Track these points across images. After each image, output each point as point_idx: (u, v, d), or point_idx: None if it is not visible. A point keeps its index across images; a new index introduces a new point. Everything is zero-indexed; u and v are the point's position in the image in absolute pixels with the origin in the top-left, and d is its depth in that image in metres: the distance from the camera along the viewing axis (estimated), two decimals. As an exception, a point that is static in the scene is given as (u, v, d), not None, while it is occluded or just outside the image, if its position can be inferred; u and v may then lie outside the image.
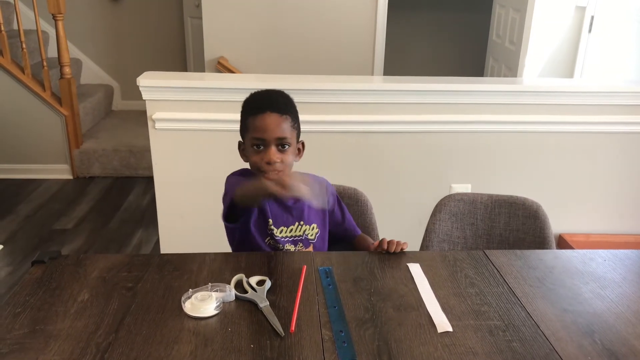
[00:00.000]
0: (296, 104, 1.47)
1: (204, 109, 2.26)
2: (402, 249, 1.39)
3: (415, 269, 1.32)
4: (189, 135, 2.30)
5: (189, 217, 2.41)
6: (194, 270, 1.29)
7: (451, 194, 1.75)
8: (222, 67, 3.75)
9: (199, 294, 1.14)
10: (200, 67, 4.26)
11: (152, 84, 2.21)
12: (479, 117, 2.36)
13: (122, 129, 4.32)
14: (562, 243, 2.51)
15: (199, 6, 3.98)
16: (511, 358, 1.02)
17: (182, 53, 4.84)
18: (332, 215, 1.56)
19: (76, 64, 4.58)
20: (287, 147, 1.39)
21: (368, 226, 1.70)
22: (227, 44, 3.87)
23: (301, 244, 1.47)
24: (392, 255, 1.39)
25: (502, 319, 1.14)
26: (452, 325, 1.11)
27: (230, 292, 1.17)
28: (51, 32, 4.18)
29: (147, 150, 2.47)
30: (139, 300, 1.17)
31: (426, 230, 1.70)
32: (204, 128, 2.28)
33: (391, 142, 2.39)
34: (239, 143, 1.48)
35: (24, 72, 3.73)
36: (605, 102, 2.38)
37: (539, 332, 1.10)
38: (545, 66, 3.45)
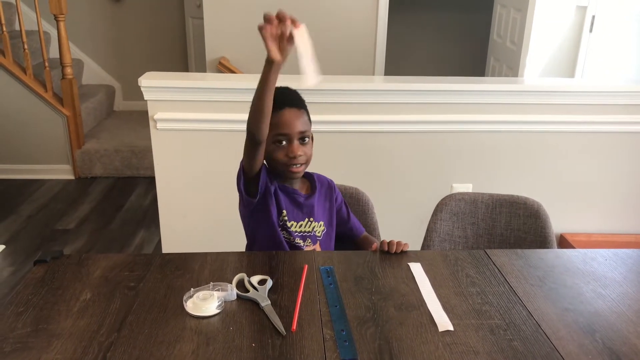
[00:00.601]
0: None
1: (206, 109, 2.26)
2: (402, 250, 1.40)
3: (417, 269, 1.32)
4: (190, 135, 2.30)
5: (190, 217, 2.41)
6: (196, 269, 1.30)
7: (452, 194, 1.75)
8: (223, 67, 3.76)
9: (201, 293, 1.15)
10: (201, 68, 4.27)
11: (153, 84, 2.22)
12: (480, 117, 2.36)
13: (124, 129, 4.33)
14: (564, 242, 2.51)
15: (200, 6, 3.98)
16: (512, 357, 1.02)
17: (183, 53, 4.85)
18: (338, 214, 1.58)
19: (78, 64, 4.59)
20: (307, 140, 1.43)
21: (369, 226, 1.70)
22: (228, 44, 3.88)
23: (309, 240, 1.49)
24: (393, 255, 1.39)
25: (503, 318, 1.14)
26: (453, 325, 1.11)
27: (232, 292, 1.18)
28: (53, 32, 4.19)
29: (148, 151, 2.48)
30: (141, 300, 1.17)
31: (427, 229, 1.71)
32: (206, 128, 2.29)
33: (392, 142, 2.39)
34: None
35: (25, 73, 3.74)
36: (607, 101, 2.38)
37: (540, 331, 1.10)
38: (546, 66, 3.45)
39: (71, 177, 3.92)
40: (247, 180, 1.39)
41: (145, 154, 3.86)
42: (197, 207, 2.40)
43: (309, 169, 1.52)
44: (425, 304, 1.18)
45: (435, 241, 1.69)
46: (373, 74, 3.97)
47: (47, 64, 3.75)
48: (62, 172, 3.92)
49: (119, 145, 3.96)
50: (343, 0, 3.85)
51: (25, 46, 3.67)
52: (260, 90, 1.25)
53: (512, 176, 2.46)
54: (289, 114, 1.41)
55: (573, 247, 2.42)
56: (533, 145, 2.43)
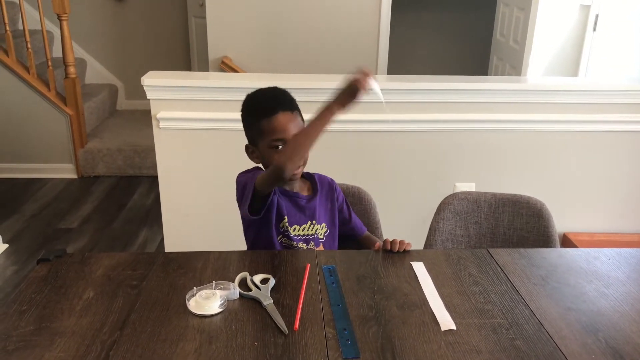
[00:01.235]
0: (300, 103, 1.48)
1: (208, 108, 2.26)
2: (405, 249, 1.39)
3: (419, 268, 1.32)
4: (193, 134, 2.30)
5: (193, 215, 2.41)
6: (198, 268, 1.30)
7: (455, 193, 1.75)
8: (226, 66, 3.76)
9: (204, 292, 1.15)
10: (204, 67, 4.27)
11: (156, 84, 2.22)
12: (482, 116, 2.36)
13: (127, 128, 4.34)
14: (567, 242, 2.51)
15: (202, 6, 3.98)
16: (515, 356, 1.02)
17: (186, 52, 4.85)
18: (340, 214, 1.58)
19: (81, 63, 4.60)
20: None
21: (372, 225, 1.70)
22: (231, 43, 3.88)
23: (312, 243, 1.48)
24: (395, 254, 1.39)
25: (505, 317, 1.14)
26: (456, 324, 1.11)
27: (235, 290, 1.18)
28: (56, 32, 4.20)
29: (151, 150, 2.48)
30: (143, 298, 1.17)
31: (430, 228, 1.70)
32: (208, 127, 2.29)
33: (395, 141, 2.39)
34: (247, 147, 1.48)
35: (29, 72, 3.75)
36: (610, 100, 2.38)
37: (542, 330, 1.10)
38: (549, 65, 3.44)
39: (74, 176, 3.93)
40: (255, 199, 1.38)
41: (147, 153, 3.87)
42: (200, 206, 2.40)
43: (311, 169, 1.52)
44: (427, 303, 1.18)
45: (438, 240, 1.68)
46: (376, 73, 3.97)
47: (50, 63, 3.76)
48: (65, 171, 3.93)
49: (121, 144, 3.97)
50: (346, 0, 3.85)
51: (29, 45, 3.68)
52: (314, 140, 1.28)
53: (515, 175, 2.46)
54: (283, 117, 1.39)
55: (576, 247, 2.41)
56: (536, 144, 2.42)
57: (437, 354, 1.02)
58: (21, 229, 3.18)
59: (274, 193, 1.42)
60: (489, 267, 1.34)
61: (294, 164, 1.28)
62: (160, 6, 4.79)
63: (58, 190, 3.71)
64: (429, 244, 1.69)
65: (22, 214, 3.36)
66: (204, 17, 3.88)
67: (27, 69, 3.75)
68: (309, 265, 1.31)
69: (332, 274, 1.28)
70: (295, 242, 1.45)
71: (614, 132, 2.43)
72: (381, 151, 2.40)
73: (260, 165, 1.48)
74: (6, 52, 3.70)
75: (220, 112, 2.26)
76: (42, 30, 3.76)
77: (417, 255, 1.39)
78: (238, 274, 1.25)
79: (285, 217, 1.44)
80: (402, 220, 2.44)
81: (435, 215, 1.71)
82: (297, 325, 1.09)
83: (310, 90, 2.22)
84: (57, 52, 4.25)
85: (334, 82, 2.31)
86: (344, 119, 2.30)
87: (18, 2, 3.77)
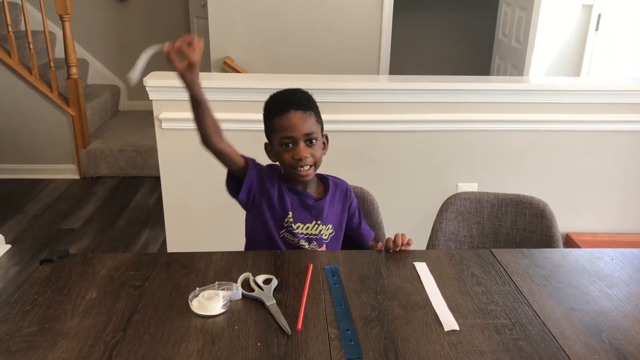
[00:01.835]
0: None
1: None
2: (408, 243, 1.40)
3: (422, 268, 1.32)
4: (195, 135, 2.29)
5: (195, 216, 2.41)
6: (201, 268, 1.30)
7: (457, 193, 1.74)
8: (227, 67, 3.76)
9: (206, 293, 1.15)
10: (206, 67, 4.27)
11: (158, 84, 2.22)
12: (485, 116, 2.35)
13: (129, 129, 4.34)
14: (569, 242, 2.50)
15: (204, 6, 3.98)
16: (518, 357, 1.02)
17: (188, 53, 4.84)
18: (350, 220, 1.57)
19: (83, 64, 4.61)
20: (314, 141, 1.43)
21: (375, 225, 1.70)
22: (232, 43, 3.88)
23: (315, 243, 1.48)
24: (398, 254, 1.39)
25: (509, 317, 1.14)
26: (459, 324, 1.11)
27: (237, 291, 1.18)
28: (58, 32, 4.21)
29: (153, 150, 2.48)
30: (146, 299, 1.17)
31: (432, 229, 1.70)
32: (211, 128, 2.28)
33: (397, 141, 2.39)
34: (265, 144, 1.50)
35: (31, 73, 3.75)
36: (613, 100, 2.37)
37: (546, 330, 1.10)
38: (551, 65, 3.43)
39: (76, 176, 3.93)
40: (231, 175, 1.43)
41: (150, 153, 3.87)
42: (202, 206, 2.40)
43: (321, 170, 1.51)
44: (430, 303, 1.18)
45: (441, 240, 1.68)
46: (378, 73, 3.97)
47: (52, 64, 3.77)
48: (68, 172, 3.93)
49: (124, 145, 3.97)
50: (348, 0, 3.85)
51: (31, 46, 3.69)
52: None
53: (517, 175, 2.46)
54: (293, 116, 1.40)
55: (579, 247, 2.41)
56: (538, 145, 2.42)
57: (440, 355, 1.02)
58: (24, 229, 3.19)
59: (273, 188, 1.44)
60: (492, 268, 1.34)
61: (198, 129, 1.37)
62: (162, 7, 4.79)
63: (60, 191, 3.72)
64: (431, 244, 1.69)
65: (25, 214, 3.36)
66: (206, 18, 3.88)
67: (30, 70, 3.76)
68: (311, 265, 1.31)
69: (334, 275, 1.28)
70: (298, 239, 1.45)
71: (617, 132, 2.42)
72: (383, 151, 2.40)
73: (277, 163, 1.49)
74: (8, 53, 3.71)
75: (222, 112, 2.22)
76: (44, 31, 3.77)
77: (420, 256, 1.39)
78: (241, 274, 1.25)
79: (290, 212, 1.44)
80: (404, 220, 2.44)
81: (437, 215, 1.71)
82: (300, 325, 1.08)
83: (312, 90, 2.22)
84: (59, 53, 4.25)
85: (336, 82, 2.33)
86: (347, 118, 2.32)
87: (20, 3, 3.78)
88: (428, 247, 1.69)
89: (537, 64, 3.39)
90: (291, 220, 1.45)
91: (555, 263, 1.37)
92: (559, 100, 2.35)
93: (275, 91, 1.49)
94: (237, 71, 3.73)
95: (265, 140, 1.50)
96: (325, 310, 1.15)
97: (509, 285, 1.26)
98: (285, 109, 1.41)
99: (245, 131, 2.28)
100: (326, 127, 1.51)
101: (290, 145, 1.41)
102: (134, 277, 1.26)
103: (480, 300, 1.20)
